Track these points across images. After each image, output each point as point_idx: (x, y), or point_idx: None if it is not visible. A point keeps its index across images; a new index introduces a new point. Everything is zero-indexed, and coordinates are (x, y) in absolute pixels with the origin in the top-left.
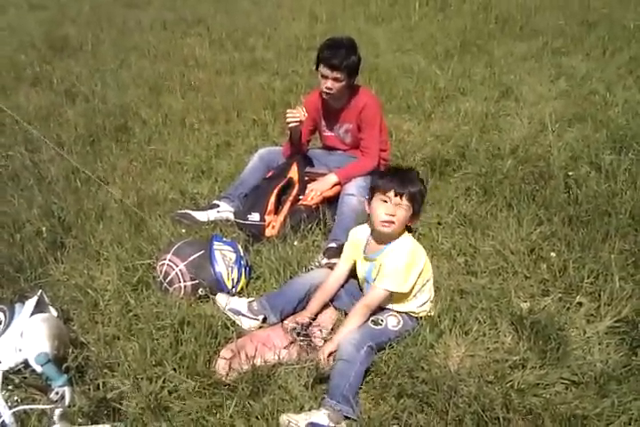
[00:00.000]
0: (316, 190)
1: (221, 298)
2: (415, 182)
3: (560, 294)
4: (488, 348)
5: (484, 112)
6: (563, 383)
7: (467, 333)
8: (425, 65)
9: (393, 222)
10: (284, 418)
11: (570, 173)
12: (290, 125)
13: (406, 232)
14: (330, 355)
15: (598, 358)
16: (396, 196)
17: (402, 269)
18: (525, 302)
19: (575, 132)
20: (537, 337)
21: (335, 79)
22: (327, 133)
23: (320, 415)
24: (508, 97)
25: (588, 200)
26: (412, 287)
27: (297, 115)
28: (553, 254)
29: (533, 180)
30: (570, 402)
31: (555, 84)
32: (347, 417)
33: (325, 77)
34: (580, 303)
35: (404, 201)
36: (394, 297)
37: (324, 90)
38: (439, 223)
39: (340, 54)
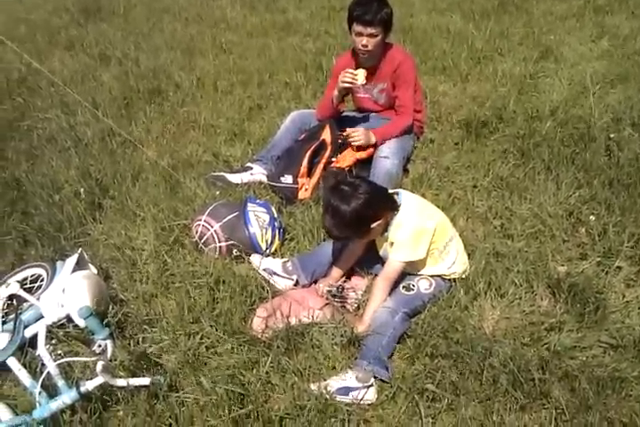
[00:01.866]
0: (359, 138)
1: (255, 259)
2: None
3: (599, 258)
4: (524, 311)
5: (523, 73)
6: (600, 346)
7: (502, 295)
8: (461, 25)
9: None
10: (313, 386)
11: (611, 136)
12: (344, 85)
13: (403, 199)
14: None
15: (637, 322)
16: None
17: (411, 238)
18: (563, 265)
19: (617, 93)
20: (574, 300)
21: (370, 35)
22: (361, 95)
23: (348, 379)
24: (547, 58)
25: (630, 163)
26: (428, 251)
27: (356, 78)
28: (592, 218)
29: (573, 142)
30: (607, 365)
31: (596, 43)
32: (378, 378)
33: (360, 35)
34: (620, 267)
35: None
36: (419, 264)
37: (361, 48)
38: (475, 186)
39: (372, 9)
